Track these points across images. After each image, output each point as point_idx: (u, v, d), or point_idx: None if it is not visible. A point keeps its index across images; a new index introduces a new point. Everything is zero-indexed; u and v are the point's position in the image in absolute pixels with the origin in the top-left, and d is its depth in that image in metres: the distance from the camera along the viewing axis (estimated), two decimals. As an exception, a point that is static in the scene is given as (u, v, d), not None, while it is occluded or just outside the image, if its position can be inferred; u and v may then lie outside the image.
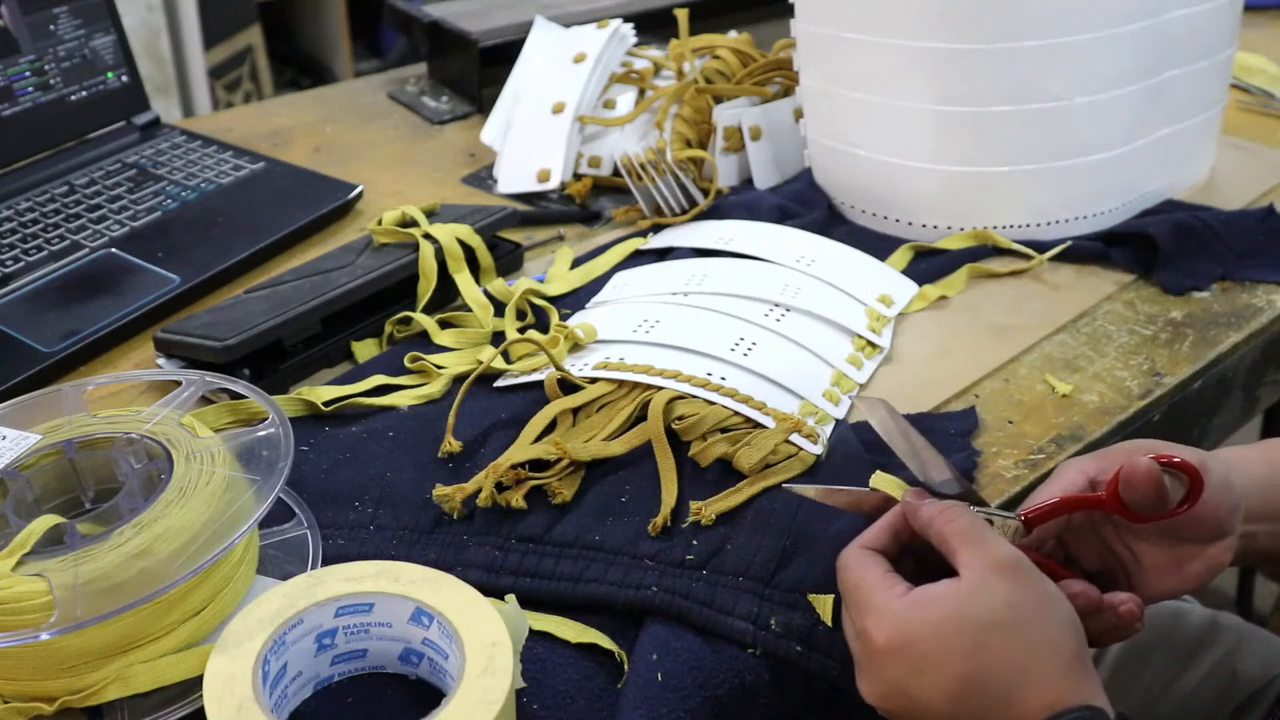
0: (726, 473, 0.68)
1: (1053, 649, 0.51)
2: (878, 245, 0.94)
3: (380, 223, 0.90)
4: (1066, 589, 0.57)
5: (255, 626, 0.54)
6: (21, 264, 0.92)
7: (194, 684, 0.54)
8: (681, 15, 1.12)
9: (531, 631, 0.60)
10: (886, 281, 0.89)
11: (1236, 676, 0.84)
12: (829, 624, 0.59)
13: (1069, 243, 0.93)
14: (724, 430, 0.70)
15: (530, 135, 1.08)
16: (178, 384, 0.69)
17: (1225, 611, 0.90)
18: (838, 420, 0.74)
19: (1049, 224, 0.95)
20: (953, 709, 0.50)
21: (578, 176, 1.07)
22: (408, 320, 0.85)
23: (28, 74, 1.06)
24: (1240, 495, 0.60)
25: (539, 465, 0.68)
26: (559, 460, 0.68)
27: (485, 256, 0.91)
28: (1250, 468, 0.62)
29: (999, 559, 0.52)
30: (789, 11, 0.96)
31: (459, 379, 0.78)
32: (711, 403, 0.71)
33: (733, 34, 1.17)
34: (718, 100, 1.06)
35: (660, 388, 0.72)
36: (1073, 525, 0.61)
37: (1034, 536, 0.59)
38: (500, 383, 0.78)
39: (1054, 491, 0.60)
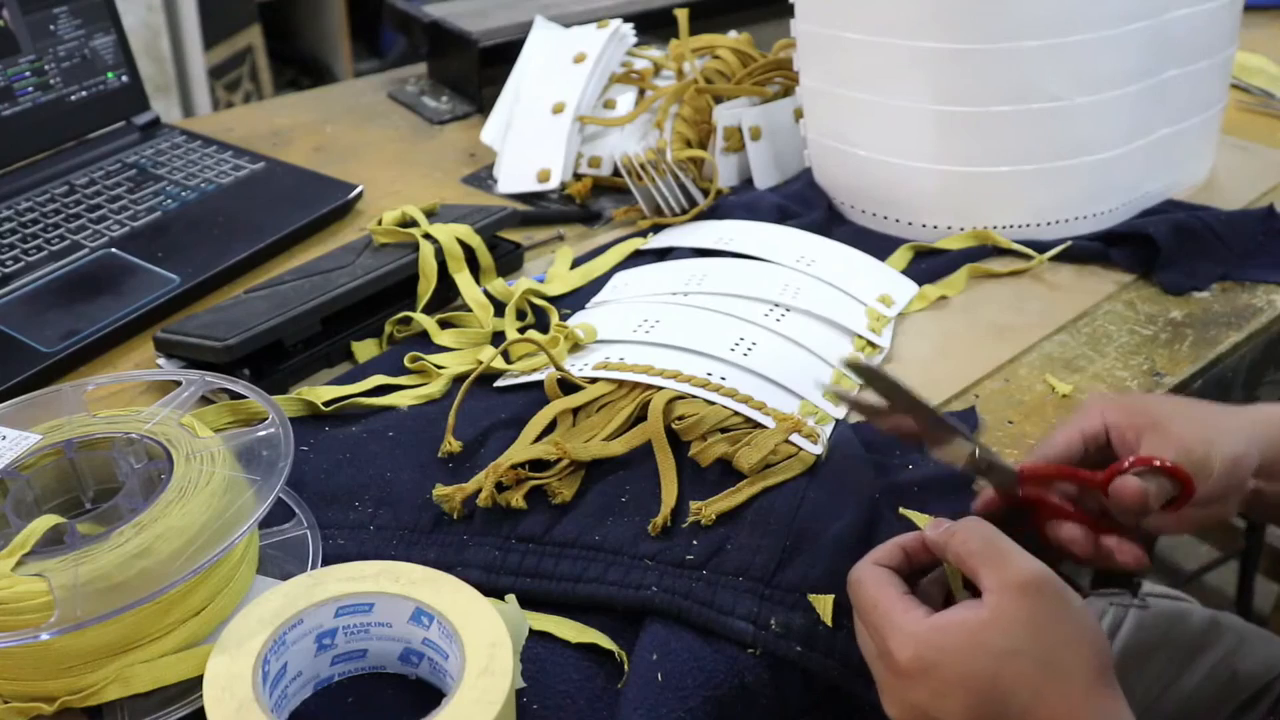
0: (726, 473, 0.68)
1: (1072, 669, 0.51)
2: (878, 245, 0.94)
3: (380, 223, 0.90)
4: (1062, 531, 0.59)
5: (255, 626, 0.54)
6: (21, 264, 0.92)
7: (194, 684, 0.54)
8: (681, 15, 1.12)
9: (531, 631, 0.60)
10: (886, 281, 0.89)
11: (1237, 676, 0.84)
12: (829, 624, 0.59)
13: (1069, 243, 0.93)
14: (724, 430, 0.70)
15: (530, 135, 1.08)
16: (178, 384, 0.68)
17: (1225, 611, 0.90)
18: (838, 420, 0.74)
19: (1049, 224, 0.95)
20: None
21: (578, 176, 1.06)
22: (408, 320, 0.85)
23: (28, 74, 1.06)
24: (1254, 457, 0.61)
25: (539, 465, 0.68)
26: (559, 460, 0.68)
27: (485, 256, 0.91)
28: (1270, 428, 0.63)
29: (1019, 578, 0.52)
30: (789, 11, 0.96)
31: (459, 379, 0.78)
32: (711, 403, 0.71)
33: (733, 34, 1.17)
34: (718, 100, 1.06)
35: (660, 388, 0.72)
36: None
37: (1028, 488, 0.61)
38: (500, 383, 0.78)
39: (1070, 436, 0.62)
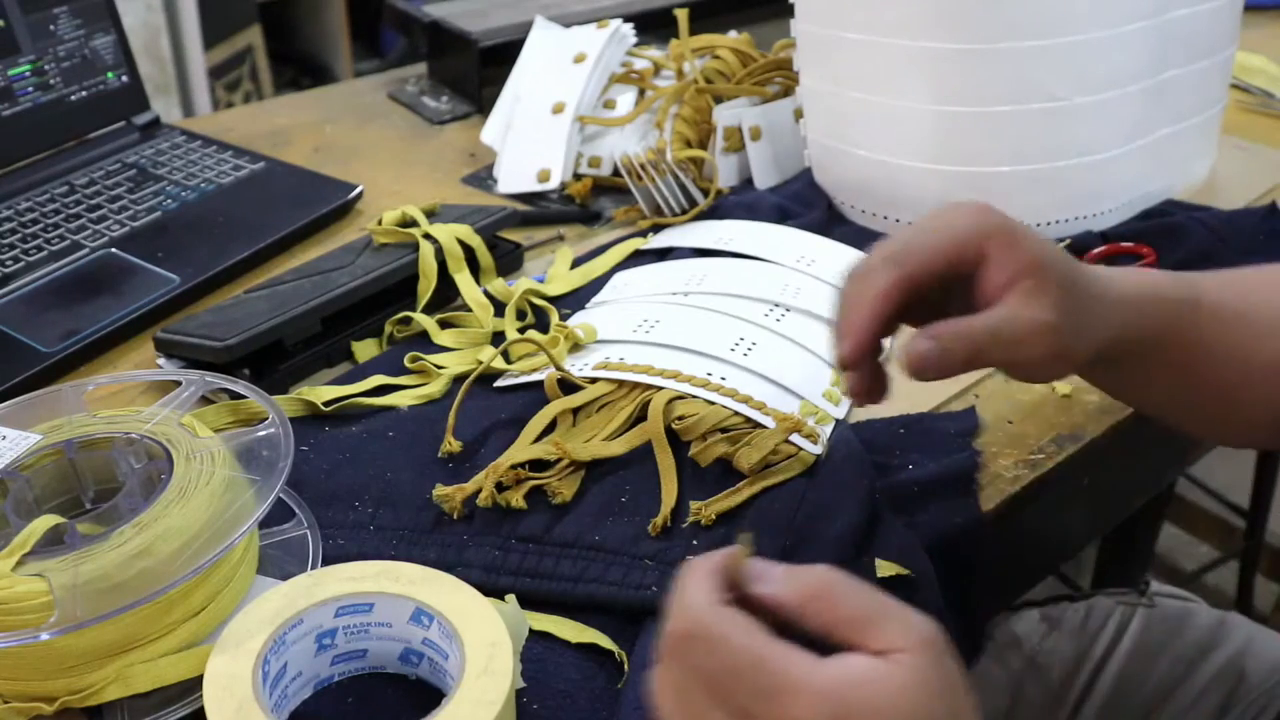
0: (726, 473, 0.68)
1: None
2: (878, 245, 0.94)
3: (380, 223, 0.90)
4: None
5: (255, 626, 0.54)
6: (21, 264, 0.92)
7: (194, 684, 0.54)
8: (681, 15, 1.11)
9: (531, 631, 0.60)
10: (887, 281, 0.89)
11: (1245, 677, 0.84)
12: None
13: (1069, 242, 0.93)
14: (724, 430, 0.70)
15: (530, 135, 1.08)
16: (178, 384, 0.68)
17: (1233, 612, 0.90)
18: (838, 420, 0.74)
19: (1049, 224, 0.95)
20: None
21: (578, 176, 1.06)
22: (408, 320, 0.85)
23: (28, 74, 1.06)
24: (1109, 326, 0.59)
25: (539, 465, 0.68)
26: (559, 460, 0.68)
27: (485, 256, 0.91)
28: (1128, 311, 0.61)
29: (928, 636, 0.42)
30: (789, 11, 0.96)
31: (459, 379, 0.78)
32: (711, 403, 0.71)
33: (733, 34, 1.17)
34: (718, 100, 1.06)
35: (660, 388, 0.72)
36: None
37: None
38: (500, 383, 0.78)
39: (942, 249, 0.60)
